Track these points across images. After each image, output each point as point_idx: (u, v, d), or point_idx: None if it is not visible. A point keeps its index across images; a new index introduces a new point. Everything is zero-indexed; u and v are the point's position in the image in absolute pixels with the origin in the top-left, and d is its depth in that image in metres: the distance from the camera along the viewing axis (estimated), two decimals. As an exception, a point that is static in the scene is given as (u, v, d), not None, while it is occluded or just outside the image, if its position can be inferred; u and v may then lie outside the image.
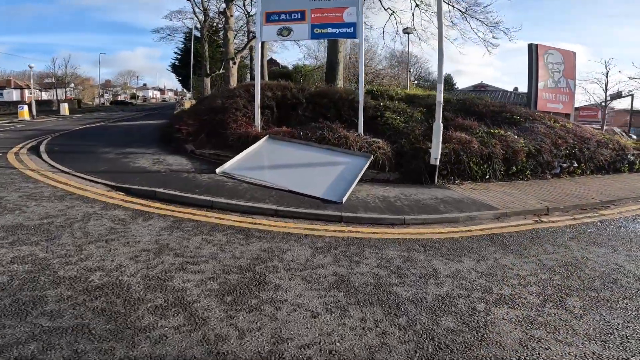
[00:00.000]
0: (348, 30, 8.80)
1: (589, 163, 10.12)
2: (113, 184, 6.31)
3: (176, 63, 37.76)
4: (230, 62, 18.27)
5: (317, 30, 8.97)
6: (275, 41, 20.59)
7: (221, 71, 26.70)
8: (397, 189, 7.41)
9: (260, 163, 7.52)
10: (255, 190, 6.25)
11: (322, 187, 6.47)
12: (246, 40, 25.53)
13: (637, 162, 11.03)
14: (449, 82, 48.52)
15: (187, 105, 18.62)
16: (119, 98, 64.08)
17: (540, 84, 12.85)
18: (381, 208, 6.06)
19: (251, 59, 32.11)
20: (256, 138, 8.57)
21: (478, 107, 11.16)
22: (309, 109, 10.32)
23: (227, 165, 7.23)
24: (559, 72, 13.07)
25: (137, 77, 71.29)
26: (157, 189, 5.94)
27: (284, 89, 10.63)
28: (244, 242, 4.32)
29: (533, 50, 12.68)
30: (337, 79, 13.34)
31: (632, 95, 22.96)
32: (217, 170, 7.06)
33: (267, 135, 8.54)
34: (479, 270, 4.02)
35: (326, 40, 15.53)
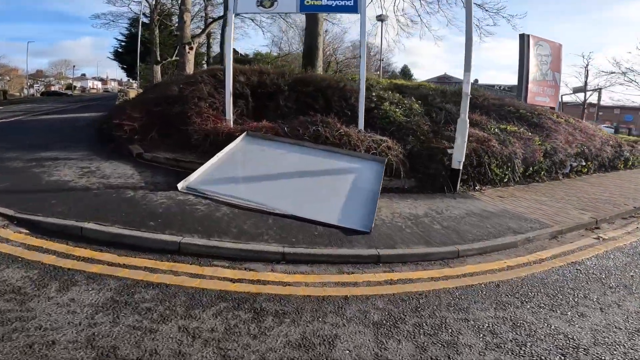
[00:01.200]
0: (347, 3, 6.87)
1: (594, 161, 9.29)
2: (11, 212, 3.88)
3: (119, 50, 32.95)
4: (187, 47, 15.43)
5: (308, 2, 6.93)
6: (253, 13, 17.84)
7: (174, 58, 23.34)
8: (420, 202, 5.74)
9: (240, 172, 5.40)
10: (242, 218, 4.19)
11: (336, 209, 4.60)
12: (203, 26, 22.41)
13: (632, 158, 10.50)
14: (407, 73, 48.35)
15: (132, 94, 15.44)
16: (52, 88, 55.87)
17: (530, 77, 11.95)
18: (419, 234, 4.35)
19: (208, 47, 28.81)
20: (229, 136, 6.39)
21: (479, 99, 9.85)
22: (291, 98, 8.27)
23: (193, 177, 5.02)
24: (546, 64, 12.31)
25: (74, 66, 62.38)
26: (85, 224, 3.63)
27: (261, 73, 8.45)
28: (257, 332, 2.39)
29: (525, 41, 11.76)
30: (317, 65, 11.35)
31: (599, 90, 23.71)
32: (180, 184, 4.83)
33: (245, 133, 6.40)
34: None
35: (296, 26, 13.41)
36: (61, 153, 6.66)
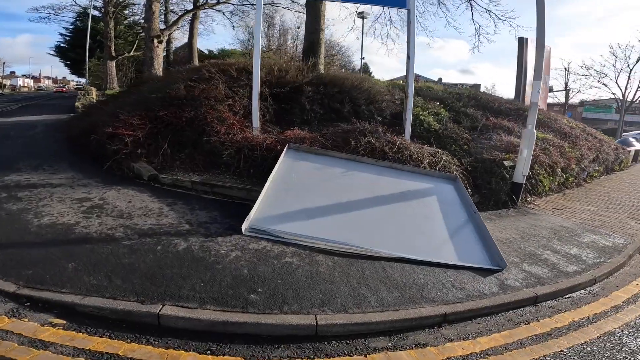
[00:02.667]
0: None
1: (602, 165, 9.40)
2: (12, 288, 2.53)
3: (63, 46, 28.55)
4: (155, 40, 13.34)
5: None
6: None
7: (132, 53, 20.60)
8: (498, 222, 5.07)
9: (305, 200, 4.21)
10: (351, 269, 3.20)
11: (444, 243, 3.81)
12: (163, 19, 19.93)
13: (624, 159, 10.93)
14: (367, 72, 48.58)
15: (94, 94, 13.01)
16: (-24, 87, 47.42)
17: (527, 79, 11.98)
18: (544, 263, 3.58)
19: (168, 42, 25.98)
20: (268, 150, 5.14)
21: (495, 104, 9.51)
22: (316, 101, 7.10)
23: (254, 213, 3.76)
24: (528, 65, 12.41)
25: (4, 63, 53.36)
26: (157, 306, 2.34)
27: (280, 70, 7.15)
28: None
29: (524, 44, 11.72)
30: (319, 63, 10.10)
31: (567, 91, 25.30)
32: (245, 226, 3.54)
33: (287, 147, 5.13)
34: None
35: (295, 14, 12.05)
36: (36, 175, 4.88)
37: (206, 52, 27.37)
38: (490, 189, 5.93)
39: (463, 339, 2.45)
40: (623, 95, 24.60)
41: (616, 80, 26.03)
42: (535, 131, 5.75)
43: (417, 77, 31.14)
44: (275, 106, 6.86)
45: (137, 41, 21.13)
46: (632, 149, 11.71)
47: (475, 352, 2.30)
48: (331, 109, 7.30)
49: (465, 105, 9.10)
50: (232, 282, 2.67)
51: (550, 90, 23.01)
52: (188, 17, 18.19)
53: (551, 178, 7.05)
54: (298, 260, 3.11)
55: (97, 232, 3.29)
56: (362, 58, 20.56)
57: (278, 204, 3.98)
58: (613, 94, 26.31)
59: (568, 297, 3.22)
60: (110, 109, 6.78)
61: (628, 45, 30.46)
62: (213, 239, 3.32)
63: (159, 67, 13.97)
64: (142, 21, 14.04)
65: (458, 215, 4.37)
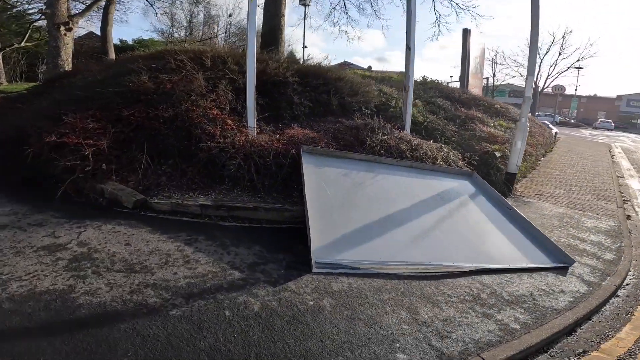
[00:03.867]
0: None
1: (544, 148, 10.73)
2: None
3: None
4: (62, 28, 10.59)
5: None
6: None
7: (23, 44, 16.55)
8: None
9: (352, 215, 3.65)
10: (446, 293, 2.72)
11: (504, 244, 3.82)
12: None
13: (555, 142, 12.68)
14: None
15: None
16: None
17: (471, 69, 12.93)
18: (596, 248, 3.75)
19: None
20: (284, 156, 4.35)
21: (461, 95, 9.98)
22: (304, 94, 6.41)
23: (315, 242, 3.05)
24: (477, 57, 13.51)
25: None
26: None
27: (262, 62, 6.21)
28: None
29: (468, 36, 12.49)
30: (280, 51, 9.29)
31: (486, 79, 27.97)
32: (314, 260, 2.84)
33: (302, 151, 4.43)
34: None
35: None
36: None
37: (118, 42, 23.43)
38: (490, 180, 6.12)
39: (606, 339, 2.40)
40: (535, 83, 29.28)
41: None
42: (527, 124, 6.09)
43: (350, 65, 31.72)
44: (260, 101, 5.93)
45: (29, 31, 16.93)
46: (553, 131, 13.65)
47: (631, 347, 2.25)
48: (318, 102, 6.67)
49: (432, 96, 9.33)
50: (369, 350, 2.05)
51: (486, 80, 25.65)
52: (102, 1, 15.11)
53: (525, 164, 7.71)
54: (375, 298, 2.59)
55: (116, 301, 2.25)
56: (305, 47, 19.67)
57: (328, 225, 3.34)
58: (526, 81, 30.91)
59: (627, 284, 3.43)
60: (38, 109, 4.98)
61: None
62: (284, 287, 2.57)
63: (67, 59, 11.24)
64: (44, 6, 11.01)
65: (496, 213, 4.33)
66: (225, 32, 20.51)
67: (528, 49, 6.49)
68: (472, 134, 7.28)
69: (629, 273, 3.66)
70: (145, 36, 23.13)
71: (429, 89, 9.91)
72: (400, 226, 3.62)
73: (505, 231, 3.96)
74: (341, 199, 3.84)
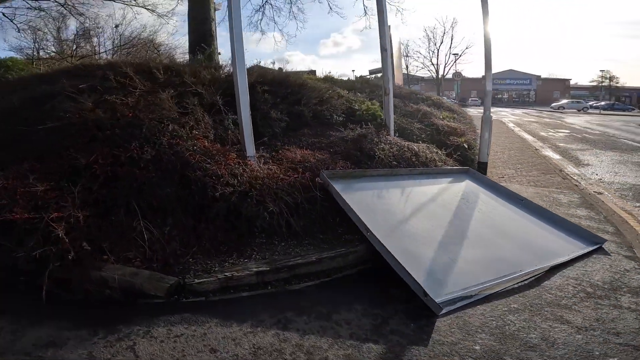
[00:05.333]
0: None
1: (468, 131, 12.19)
2: None
3: None
4: None
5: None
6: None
7: None
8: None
9: (422, 239, 3.43)
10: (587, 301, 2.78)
11: (541, 237, 4.01)
12: None
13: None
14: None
15: None
16: None
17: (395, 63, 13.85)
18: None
19: None
20: (304, 191, 3.83)
21: (396, 90, 10.49)
22: (277, 107, 5.86)
23: (421, 279, 2.73)
24: (397, 51, 14.58)
25: None
26: None
27: (214, 69, 5.42)
28: None
29: (388, 31, 13.27)
30: (214, 59, 8.40)
31: (380, 69, 30.40)
32: (436, 303, 2.57)
33: (327, 177, 3.98)
34: None
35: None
36: None
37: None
38: (471, 172, 6.63)
39: None
40: (437, 71, 33.76)
41: (430, 59, 35.18)
42: (491, 116, 6.75)
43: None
44: (234, 116, 5.14)
45: None
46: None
47: None
48: (292, 114, 6.15)
49: (360, 91, 9.59)
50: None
51: (378, 72, 27.86)
52: None
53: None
54: (528, 316, 2.49)
55: None
56: (219, 53, 18.09)
57: (410, 257, 3.04)
58: (429, 70, 35.55)
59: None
60: None
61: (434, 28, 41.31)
62: (434, 341, 2.20)
63: None
64: None
65: (513, 207, 4.62)
66: (113, 45, 17.30)
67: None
68: (436, 129, 7.74)
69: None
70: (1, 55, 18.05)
71: (373, 87, 10.20)
72: (462, 238, 3.57)
73: (533, 223, 4.27)
74: (394, 224, 3.58)
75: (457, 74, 30.80)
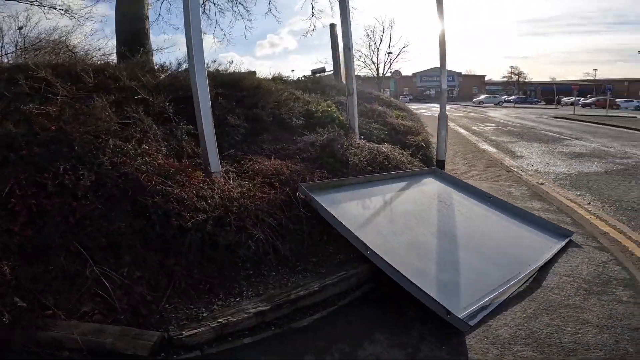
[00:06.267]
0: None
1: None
2: None
3: None
4: None
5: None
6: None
7: None
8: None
9: (416, 250, 3.29)
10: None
11: (520, 237, 4.14)
12: None
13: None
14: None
15: None
16: None
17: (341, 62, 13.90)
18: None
19: None
20: (286, 209, 3.47)
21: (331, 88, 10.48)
22: (234, 112, 5.37)
23: (437, 295, 2.57)
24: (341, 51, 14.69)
25: None
26: None
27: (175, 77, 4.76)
28: None
29: (335, 29, 13.23)
30: (150, 55, 7.54)
31: (323, 69, 30.51)
32: (462, 317, 2.45)
33: (307, 191, 3.67)
34: None
35: None
36: None
37: None
38: (432, 171, 6.80)
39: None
40: (377, 69, 35.21)
41: (371, 58, 36.39)
42: (447, 114, 7.00)
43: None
44: (188, 125, 4.50)
45: None
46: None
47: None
48: (250, 119, 5.66)
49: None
50: None
51: (322, 71, 28.03)
52: None
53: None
54: (549, 320, 2.48)
55: None
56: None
57: (419, 273, 2.85)
58: (370, 69, 36.73)
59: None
60: None
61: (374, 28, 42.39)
62: None
63: None
64: None
65: (482, 206, 4.76)
66: (17, 48, 14.47)
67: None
68: (394, 129, 7.82)
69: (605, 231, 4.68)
70: None
71: (308, 84, 10.02)
72: (455, 245, 3.52)
73: (509, 222, 4.40)
74: (388, 237, 3.39)
75: (397, 72, 32.55)
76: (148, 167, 3.21)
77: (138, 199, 2.97)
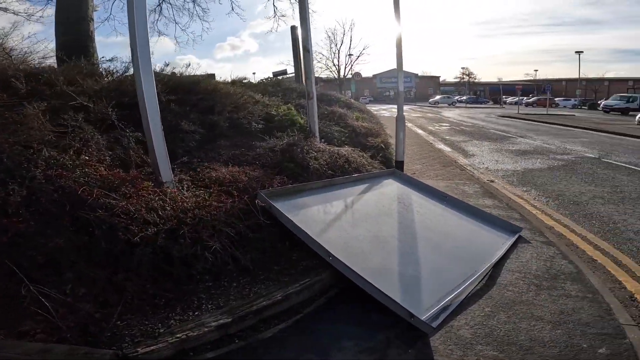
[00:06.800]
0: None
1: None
2: None
3: None
4: None
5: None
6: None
7: None
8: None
9: (378, 250, 3.34)
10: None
11: (475, 235, 4.37)
12: None
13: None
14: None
15: None
16: None
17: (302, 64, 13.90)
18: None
19: None
20: (244, 218, 3.39)
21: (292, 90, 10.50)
22: (187, 117, 5.17)
23: (400, 297, 2.62)
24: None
25: None
26: None
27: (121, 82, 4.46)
28: None
29: (296, 32, 13.18)
30: (94, 59, 7.05)
31: (285, 71, 30.31)
32: (424, 318, 2.51)
33: (266, 198, 3.60)
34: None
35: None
36: None
37: None
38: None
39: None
40: (338, 71, 35.82)
41: (332, 60, 36.91)
42: (404, 116, 7.21)
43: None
44: (136, 132, 4.23)
45: None
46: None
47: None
48: (206, 124, 5.46)
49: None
50: None
51: (283, 73, 27.95)
52: None
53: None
54: (505, 317, 2.61)
55: None
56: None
57: (381, 276, 2.88)
58: (331, 71, 37.27)
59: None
60: None
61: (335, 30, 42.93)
62: None
63: None
64: None
65: (438, 205, 4.94)
66: None
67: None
68: (354, 131, 7.93)
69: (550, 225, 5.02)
70: None
71: (285, 89, 9.95)
72: (414, 246, 3.63)
73: (464, 220, 4.61)
74: (350, 241, 3.40)
75: (357, 74, 33.26)
76: (88, 179, 2.98)
77: (79, 214, 2.74)
